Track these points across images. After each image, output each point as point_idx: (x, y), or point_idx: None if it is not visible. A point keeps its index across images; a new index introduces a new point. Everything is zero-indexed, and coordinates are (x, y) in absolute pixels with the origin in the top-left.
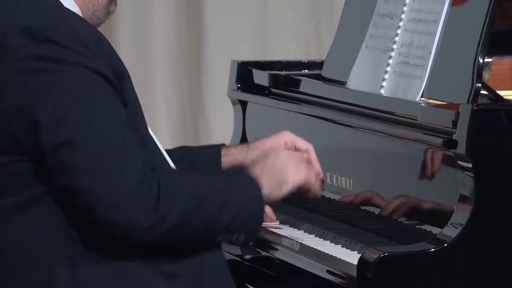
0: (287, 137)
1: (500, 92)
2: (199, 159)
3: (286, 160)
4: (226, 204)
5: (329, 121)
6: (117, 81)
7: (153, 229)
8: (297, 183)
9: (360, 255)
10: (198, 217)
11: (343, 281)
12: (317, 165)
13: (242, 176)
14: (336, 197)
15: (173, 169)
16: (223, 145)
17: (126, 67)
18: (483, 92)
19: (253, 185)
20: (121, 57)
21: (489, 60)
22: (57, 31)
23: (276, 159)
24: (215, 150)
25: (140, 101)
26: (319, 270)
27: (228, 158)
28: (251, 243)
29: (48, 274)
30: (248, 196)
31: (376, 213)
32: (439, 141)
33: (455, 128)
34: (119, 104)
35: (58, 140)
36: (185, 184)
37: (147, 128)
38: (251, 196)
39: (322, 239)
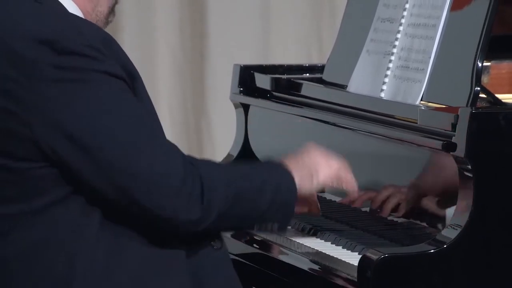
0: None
1: (499, 96)
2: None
3: (317, 156)
4: (263, 192)
5: (330, 124)
6: (130, 81)
7: (202, 220)
8: (327, 177)
9: (360, 256)
10: (239, 205)
11: (344, 282)
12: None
13: (277, 167)
14: (336, 198)
15: (209, 160)
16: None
17: None
18: (482, 95)
19: (287, 175)
20: None
21: (488, 64)
22: (74, 40)
23: (308, 155)
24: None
25: None
26: (320, 271)
27: None
28: (283, 231)
29: (60, 279)
30: (283, 184)
31: (376, 215)
32: (438, 143)
33: (454, 131)
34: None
35: (95, 147)
36: (224, 174)
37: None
38: (285, 185)
39: (323, 241)
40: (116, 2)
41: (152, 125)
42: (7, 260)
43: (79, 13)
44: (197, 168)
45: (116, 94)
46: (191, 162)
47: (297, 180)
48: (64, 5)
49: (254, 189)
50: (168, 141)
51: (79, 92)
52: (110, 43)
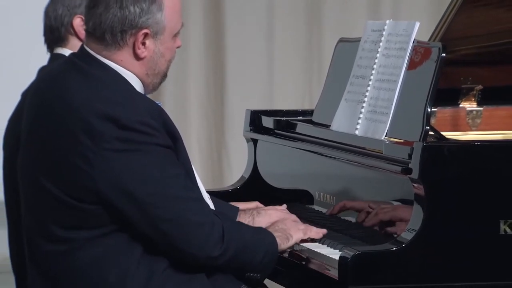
0: (279, 215)
1: (443, 133)
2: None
3: (288, 224)
4: (259, 249)
5: (317, 154)
6: (173, 144)
7: (220, 257)
8: (299, 238)
9: (340, 253)
10: (244, 254)
11: (327, 272)
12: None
13: (268, 233)
14: (323, 209)
15: (226, 215)
16: (238, 209)
17: (170, 113)
18: (431, 133)
19: (273, 239)
20: (166, 107)
21: (435, 109)
22: (132, 119)
23: (281, 223)
24: (234, 214)
25: None
26: (310, 264)
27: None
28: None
29: None
30: (270, 245)
31: (352, 222)
32: (398, 168)
33: (410, 159)
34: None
35: (147, 202)
36: (237, 228)
37: (196, 177)
38: (272, 246)
39: (312, 241)
40: (166, 74)
41: (190, 183)
42: (74, 270)
43: (138, 82)
44: (220, 220)
45: (163, 161)
46: (215, 213)
47: (278, 241)
48: (127, 78)
49: (254, 246)
50: (199, 194)
51: (135, 159)
52: (160, 114)
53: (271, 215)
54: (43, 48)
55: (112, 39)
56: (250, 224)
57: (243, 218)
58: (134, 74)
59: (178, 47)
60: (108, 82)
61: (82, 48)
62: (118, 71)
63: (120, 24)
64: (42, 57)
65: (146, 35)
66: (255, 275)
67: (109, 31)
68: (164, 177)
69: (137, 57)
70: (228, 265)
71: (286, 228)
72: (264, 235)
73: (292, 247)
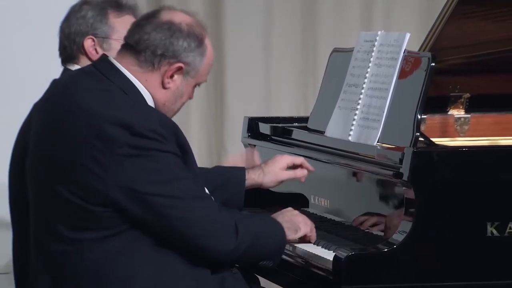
0: (286, 159)
1: (432, 139)
2: (229, 179)
3: (296, 216)
4: (270, 238)
5: (312, 159)
6: (182, 156)
7: (235, 250)
8: (306, 230)
9: (334, 253)
10: (257, 244)
11: (322, 272)
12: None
13: (275, 221)
14: (317, 212)
15: (234, 210)
16: (244, 168)
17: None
18: (421, 139)
19: (282, 229)
20: None
21: (425, 116)
22: (143, 126)
23: (291, 215)
24: (241, 173)
25: None
26: (305, 264)
27: (249, 182)
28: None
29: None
30: (280, 234)
31: (346, 224)
32: (390, 173)
33: (401, 164)
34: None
35: (159, 202)
36: (247, 220)
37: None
38: (281, 235)
39: (307, 242)
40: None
41: (199, 185)
42: (81, 270)
43: (153, 104)
44: (233, 216)
45: (172, 165)
46: (226, 210)
47: (287, 233)
48: (145, 97)
49: (265, 237)
50: (208, 194)
51: (145, 164)
52: (172, 127)
53: (279, 162)
54: (44, 51)
55: (150, 58)
56: (260, 180)
57: (252, 174)
58: (153, 97)
59: (189, 98)
60: (124, 90)
61: (103, 56)
62: (138, 87)
63: (164, 48)
64: (42, 59)
65: (179, 69)
66: (267, 262)
67: (151, 49)
68: (174, 179)
69: (163, 85)
70: (244, 257)
71: (296, 221)
72: (273, 224)
73: (292, 242)
